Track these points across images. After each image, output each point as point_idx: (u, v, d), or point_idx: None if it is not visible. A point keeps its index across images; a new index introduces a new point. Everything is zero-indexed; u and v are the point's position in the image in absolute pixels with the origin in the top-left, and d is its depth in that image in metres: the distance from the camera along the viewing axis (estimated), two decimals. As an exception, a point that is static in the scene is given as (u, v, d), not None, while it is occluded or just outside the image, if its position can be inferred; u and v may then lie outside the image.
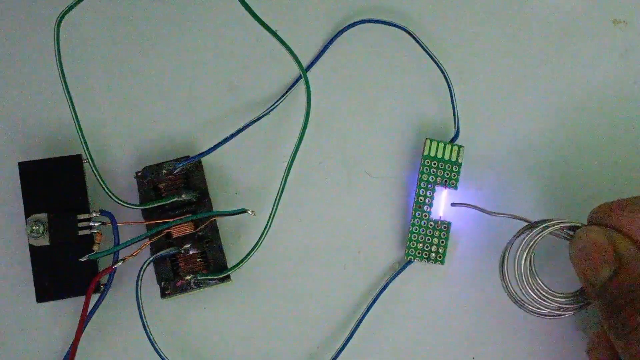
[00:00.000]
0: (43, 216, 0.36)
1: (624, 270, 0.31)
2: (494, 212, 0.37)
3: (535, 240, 0.35)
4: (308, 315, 0.39)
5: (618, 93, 0.41)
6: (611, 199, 0.35)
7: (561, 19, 0.42)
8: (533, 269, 0.35)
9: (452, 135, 0.39)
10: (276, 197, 0.37)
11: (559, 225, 0.35)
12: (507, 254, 0.35)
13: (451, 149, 0.39)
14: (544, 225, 0.35)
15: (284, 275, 0.39)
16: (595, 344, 0.35)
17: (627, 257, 0.32)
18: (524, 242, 0.35)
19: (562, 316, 0.35)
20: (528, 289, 0.35)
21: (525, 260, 0.35)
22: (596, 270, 0.32)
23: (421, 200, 0.39)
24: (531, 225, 0.35)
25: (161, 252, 0.37)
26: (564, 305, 0.35)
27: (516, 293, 0.35)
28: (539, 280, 0.35)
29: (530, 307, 0.35)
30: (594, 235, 0.33)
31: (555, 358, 0.39)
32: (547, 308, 0.35)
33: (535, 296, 0.35)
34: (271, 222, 0.37)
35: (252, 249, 0.37)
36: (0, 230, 0.39)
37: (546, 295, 0.35)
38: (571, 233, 0.35)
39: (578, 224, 0.35)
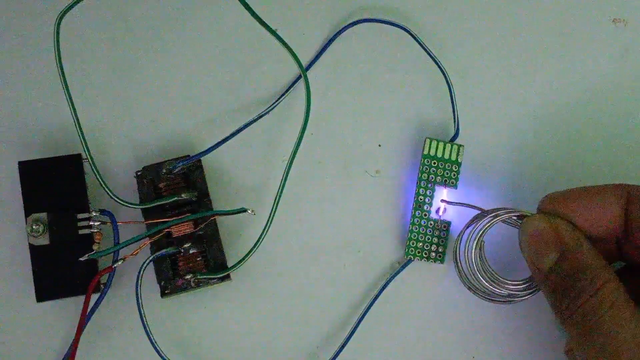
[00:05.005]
0: (43, 215, 0.36)
1: (567, 256, 0.32)
2: (452, 202, 0.38)
3: (485, 228, 0.36)
4: (308, 314, 0.39)
5: (617, 92, 0.41)
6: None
7: (561, 18, 0.42)
8: (483, 255, 0.36)
9: (452, 134, 0.39)
10: (276, 196, 0.37)
11: (509, 214, 0.35)
12: (459, 241, 0.37)
13: (451, 148, 0.39)
14: (494, 214, 0.36)
15: (283, 275, 0.39)
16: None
17: (570, 244, 0.33)
18: (475, 230, 0.36)
19: (513, 302, 0.36)
20: (478, 274, 0.36)
21: (476, 247, 0.36)
22: (542, 257, 0.33)
23: (421, 199, 0.39)
24: (484, 214, 0.36)
25: (161, 252, 0.37)
26: (514, 292, 0.36)
27: (468, 279, 0.36)
28: (488, 267, 0.36)
29: (481, 293, 0.36)
30: (539, 223, 0.34)
31: (555, 358, 0.39)
32: (497, 294, 0.36)
33: (485, 282, 0.36)
34: (271, 221, 0.37)
35: (252, 249, 0.37)
36: (0, 230, 0.39)
37: (496, 281, 0.36)
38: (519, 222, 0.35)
39: (527, 213, 0.35)
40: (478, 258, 0.36)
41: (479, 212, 0.36)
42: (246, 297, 0.39)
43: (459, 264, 0.36)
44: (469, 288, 0.36)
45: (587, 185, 0.35)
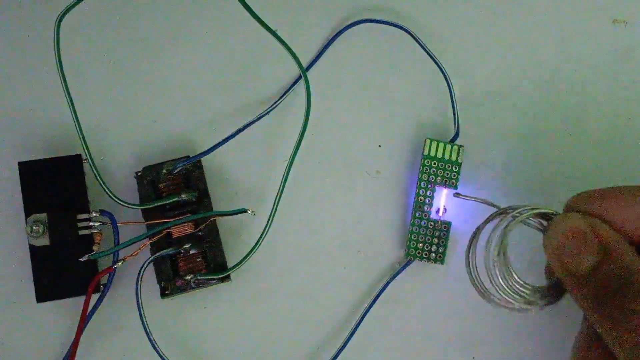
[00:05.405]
0: (43, 216, 0.36)
1: (610, 258, 0.29)
2: (467, 197, 0.36)
3: (511, 227, 0.32)
4: (308, 315, 0.39)
5: (617, 92, 0.41)
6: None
7: (561, 18, 0.42)
8: (507, 259, 0.32)
9: (452, 134, 0.39)
10: (276, 197, 0.37)
11: (534, 212, 0.32)
12: (474, 242, 0.33)
13: (451, 149, 0.39)
14: (517, 211, 0.32)
15: (283, 275, 0.39)
16: (583, 349, 0.33)
17: (612, 244, 0.30)
18: (499, 229, 0.32)
19: (529, 311, 0.32)
20: (500, 279, 0.32)
21: (501, 249, 0.32)
22: (578, 259, 0.30)
23: (421, 200, 0.39)
24: (501, 212, 0.33)
25: (161, 252, 0.37)
26: (536, 301, 0.32)
27: (483, 283, 0.33)
28: (512, 272, 0.32)
29: (498, 300, 0.33)
30: (575, 221, 0.30)
31: (555, 357, 0.39)
32: (517, 302, 0.32)
33: (507, 289, 0.32)
34: (271, 221, 0.37)
35: (252, 249, 0.37)
36: (0, 230, 0.39)
37: (520, 288, 0.32)
38: (543, 223, 0.32)
39: (552, 212, 0.32)
40: (502, 262, 0.32)
41: (496, 210, 0.33)
42: (246, 297, 0.39)
43: (474, 270, 0.33)
44: (483, 293, 0.33)
45: (601, 186, 0.32)
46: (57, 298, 0.36)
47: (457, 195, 0.37)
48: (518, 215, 0.32)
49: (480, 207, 0.38)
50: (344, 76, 0.41)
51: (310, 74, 0.40)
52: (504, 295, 0.32)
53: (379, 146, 0.40)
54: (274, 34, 0.37)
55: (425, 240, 0.39)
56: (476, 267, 0.33)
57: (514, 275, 0.32)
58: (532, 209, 0.32)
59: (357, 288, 0.39)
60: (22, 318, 0.38)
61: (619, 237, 0.30)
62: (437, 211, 0.39)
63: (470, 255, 0.33)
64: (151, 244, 0.37)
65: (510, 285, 0.32)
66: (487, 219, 0.33)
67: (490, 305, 0.33)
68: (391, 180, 0.40)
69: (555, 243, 0.31)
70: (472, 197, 0.35)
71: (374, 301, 0.39)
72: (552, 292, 0.32)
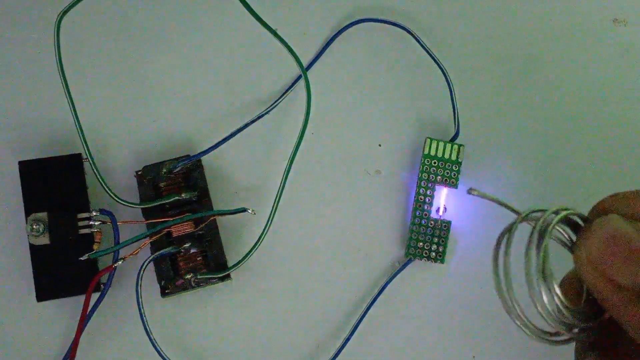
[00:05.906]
0: (43, 215, 0.36)
1: None
2: (478, 192, 0.27)
3: (547, 240, 0.25)
4: (308, 314, 0.39)
5: (617, 92, 0.41)
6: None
7: (561, 18, 0.42)
8: (554, 288, 0.25)
9: (452, 134, 0.39)
10: (276, 196, 0.37)
11: (566, 213, 0.26)
12: (505, 248, 0.26)
13: (451, 148, 0.39)
14: (544, 218, 0.26)
15: (283, 275, 0.39)
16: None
17: None
18: (532, 247, 0.25)
19: (567, 343, 0.26)
20: (543, 293, 0.25)
21: (548, 279, 0.25)
22: (635, 270, 0.24)
23: (421, 199, 0.39)
24: (523, 218, 0.26)
25: (161, 251, 0.37)
26: (573, 323, 0.26)
27: (515, 301, 0.26)
28: (556, 287, 0.25)
29: (529, 325, 0.26)
30: (620, 225, 0.24)
31: (556, 358, 0.39)
32: (556, 325, 0.26)
33: (549, 306, 0.25)
34: (271, 221, 0.37)
35: (252, 248, 0.37)
36: (1, 230, 0.39)
37: (562, 307, 0.25)
38: (568, 231, 0.26)
39: (577, 216, 0.26)
40: (544, 274, 0.25)
41: (517, 216, 0.26)
42: (246, 296, 0.39)
43: (501, 279, 0.26)
44: (513, 312, 0.26)
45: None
46: (57, 297, 0.36)
47: (470, 191, 0.28)
48: (547, 223, 0.26)
49: (481, 206, 0.38)
50: (344, 76, 0.41)
51: (310, 74, 0.40)
52: (549, 322, 0.26)
53: (379, 145, 0.40)
54: (274, 33, 0.38)
55: (425, 239, 0.39)
56: (513, 296, 0.26)
57: (559, 293, 0.25)
58: (559, 210, 0.26)
59: (357, 287, 0.39)
60: (22, 317, 0.38)
61: None
62: (437, 210, 0.39)
63: (499, 264, 0.26)
64: (151, 243, 0.37)
65: (556, 310, 0.26)
66: (511, 226, 0.26)
67: (521, 328, 0.27)
68: (391, 179, 0.40)
69: (596, 252, 0.24)
70: (489, 196, 0.27)
71: (374, 300, 0.39)
72: (584, 316, 0.26)
